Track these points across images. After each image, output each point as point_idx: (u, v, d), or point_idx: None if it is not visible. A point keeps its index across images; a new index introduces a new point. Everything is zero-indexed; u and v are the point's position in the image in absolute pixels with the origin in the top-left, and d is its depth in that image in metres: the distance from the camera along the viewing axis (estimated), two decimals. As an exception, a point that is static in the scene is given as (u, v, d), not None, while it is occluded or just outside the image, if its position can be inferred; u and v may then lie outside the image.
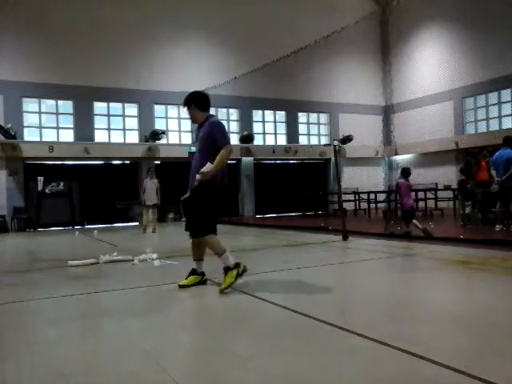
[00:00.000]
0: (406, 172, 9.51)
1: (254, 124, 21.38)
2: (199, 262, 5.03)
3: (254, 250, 8.38)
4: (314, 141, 22.70)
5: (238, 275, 4.66)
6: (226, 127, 22.40)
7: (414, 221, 9.25)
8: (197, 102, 5.05)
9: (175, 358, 2.88)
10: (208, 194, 4.73)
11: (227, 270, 4.67)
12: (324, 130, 23.21)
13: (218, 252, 4.73)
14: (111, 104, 18.77)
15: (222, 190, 4.86)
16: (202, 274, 5.04)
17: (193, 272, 5.01)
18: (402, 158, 22.82)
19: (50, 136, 17.79)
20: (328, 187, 22.06)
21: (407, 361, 2.64)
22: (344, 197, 11.94)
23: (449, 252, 7.13)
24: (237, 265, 4.68)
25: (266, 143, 21.54)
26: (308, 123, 22.90)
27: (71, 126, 18.08)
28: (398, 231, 9.78)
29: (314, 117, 22.97)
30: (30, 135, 17.59)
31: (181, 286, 4.91)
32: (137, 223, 18.34)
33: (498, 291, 4.34)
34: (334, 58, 21.82)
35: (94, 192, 18.04)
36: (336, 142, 11.76)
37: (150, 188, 13.07)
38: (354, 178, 21.04)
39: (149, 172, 13.46)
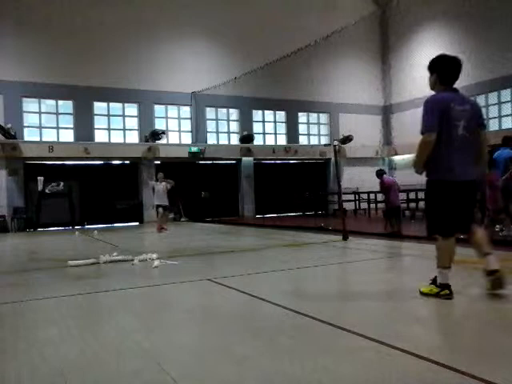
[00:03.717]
0: (380, 173, 10.45)
1: (254, 124, 21.38)
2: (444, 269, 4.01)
3: (253, 250, 8.38)
4: (314, 141, 22.69)
5: (438, 295, 3.94)
6: (226, 127, 22.10)
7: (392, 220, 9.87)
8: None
9: (175, 358, 2.88)
10: (432, 187, 4.05)
11: (434, 282, 4.06)
12: (324, 130, 23.21)
13: (439, 262, 4.02)
14: (111, 104, 18.77)
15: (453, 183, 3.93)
16: (445, 286, 3.99)
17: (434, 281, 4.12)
18: (403, 158, 22.81)
19: (50, 136, 17.78)
20: (328, 187, 22.06)
21: (407, 361, 2.64)
22: (344, 197, 11.94)
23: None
24: (444, 286, 3.95)
25: (266, 143, 21.54)
26: (308, 123, 22.90)
27: (71, 126, 18.07)
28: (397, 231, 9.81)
29: (314, 117, 22.97)
30: (29, 135, 17.58)
31: (422, 294, 4.10)
32: (137, 223, 18.36)
33: (498, 292, 4.33)
34: (334, 58, 21.80)
35: (93, 192, 18.03)
36: (336, 142, 11.76)
37: (159, 190, 13.72)
38: (353, 178, 21.03)
39: (158, 177, 14.15)
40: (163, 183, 13.66)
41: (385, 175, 10.57)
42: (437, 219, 4.03)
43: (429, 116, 3.86)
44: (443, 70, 4.03)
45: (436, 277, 4.04)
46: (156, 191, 13.70)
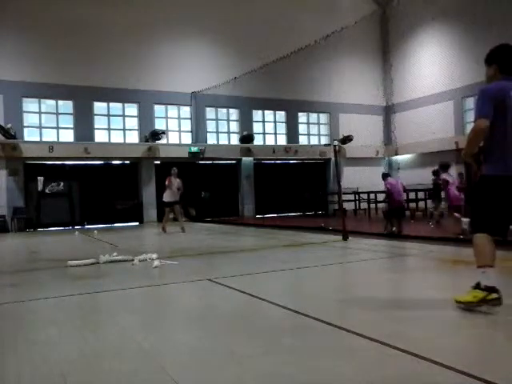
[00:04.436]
0: (385, 174, 10.73)
1: (254, 124, 21.37)
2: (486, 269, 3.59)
3: (254, 250, 8.38)
4: (314, 141, 22.69)
5: (484, 301, 3.48)
6: (226, 127, 22.03)
7: (393, 220, 10.05)
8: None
9: (175, 358, 2.88)
10: (484, 182, 3.75)
11: (477, 286, 3.57)
12: (324, 129, 23.20)
13: (480, 261, 3.63)
14: (111, 104, 18.77)
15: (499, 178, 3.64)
16: (491, 289, 3.50)
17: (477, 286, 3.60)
18: (403, 158, 22.83)
19: (50, 136, 17.78)
20: (328, 187, 22.05)
21: (407, 361, 2.64)
22: (344, 197, 11.95)
23: (449, 252, 7.14)
24: (491, 289, 3.47)
25: (266, 143, 21.54)
26: (308, 123, 22.90)
27: (71, 125, 18.07)
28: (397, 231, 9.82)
29: (314, 117, 22.96)
30: (29, 135, 17.58)
31: (458, 302, 3.67)
32: (137, 223, 18.37)
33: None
34: (334, 57, 21.77)
35: (93, 192, 18.03)
36: (336, 142, 11.77)
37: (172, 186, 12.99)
38: (354, 178, 21.02)
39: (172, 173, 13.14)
40: (178, 180, 13.00)
41: (389, 177, 10.65)
42: (483, 215, 3.68)
43: (483, 103, 3.60)
44: (504, 59, 3.83)
45: (478, 282, 3.55)
46: (170, 187, 12.86)
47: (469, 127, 20.28)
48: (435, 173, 12.55)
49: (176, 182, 12.93)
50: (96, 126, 18.44)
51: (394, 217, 10.07)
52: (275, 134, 21.97)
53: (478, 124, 3.57)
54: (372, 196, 17.87)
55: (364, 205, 18.58)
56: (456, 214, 9.48)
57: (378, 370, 2.55)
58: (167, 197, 12.95)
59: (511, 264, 5.67)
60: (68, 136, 17.97)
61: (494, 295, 3.45)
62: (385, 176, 10.67)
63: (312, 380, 2.45)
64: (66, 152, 17.34)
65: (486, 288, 3.47)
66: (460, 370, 2.44)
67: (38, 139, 17.53)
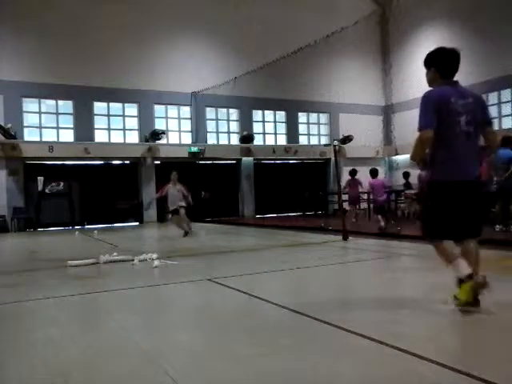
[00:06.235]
0: (374, 172, 11.04)
1: (254, 124, 21.37)
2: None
3: (254, 250, 8.38)
4: (314, 141, 22.68)
5: (472, 289, 3.49)
6: (226, 127, 22.02)
7: (379, 216, 10.59)
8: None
9: (175, 358, 2.88)
10: (432, 188, 3.78)
11: (460, 281, 3.59)
12: (324, 129, 23.20)
13: (446, 262, 3.69)
14: (111, 104, 18.77)
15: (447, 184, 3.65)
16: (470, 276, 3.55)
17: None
18: (403, 158, 22.81)
19: (49, 136, 17.77)
20: (328, 187, 22.05)
21: (407, 361, 2.64)
22: (344, 197, 12.02)
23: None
24: (470, 277, 3.51)
25: (266, 143, 21.53)
26: (308, 123, 22.89)
27: (71, 126, 18.06)
28: (397, 231, 9.83)
29: (314, 117, 22.96)
30: (29, 135, 17.58)
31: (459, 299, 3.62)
32: (137, 223, 18.36)
33: (498, 292, 4.33)
34: (334, 58, 21.79)
35: (94, 192, 18.03)
36: (336, 142, 11.80)
37: (173, 193, 11.66)
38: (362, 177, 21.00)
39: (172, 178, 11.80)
40: (178, 186, 11.51)
41: (375, 177, 11.17)
42: (434, 222, 3.71)
43: (426, 112, 3.60)
44: (443, 62, 3.77)
45: (459, 278, 3.62)
46: (170, 195, 11.54)
47: (469, 127, 20.27)
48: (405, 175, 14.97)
49: (176, 190, 11.47)
50: (96, 126, 18.43)
51: (380, 213, 10.80)
52: (275, 134, 21.97)
53: (422, 135, 3.59)
54: (372, 196, 17.84)
55: (364, 205, 18.55)
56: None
57: (378, 369, 2.55)
58: (169, 205, 11.69)
59: (511, 264, 5.68)
60: (68, 136, 17.97)
61: (472, 282, 3.49)
62: (372, 174, 11.09)
63: (312, 380, 2.45)
64: (66, 152, 17.34)
65: (466, 277, 3.51)
66: (460, 370, 2.44)
67: (37, 139, 17.52)
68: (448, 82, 3.74)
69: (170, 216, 11.60)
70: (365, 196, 16.15)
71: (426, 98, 3.65)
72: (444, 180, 3.65)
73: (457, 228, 3.67)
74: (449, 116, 3.59)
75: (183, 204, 11.49)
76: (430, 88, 3.81)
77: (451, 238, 3.73)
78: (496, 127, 19.04)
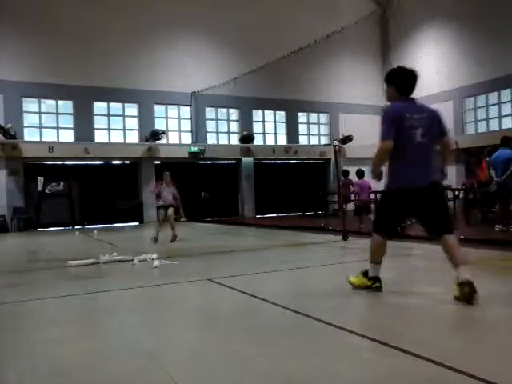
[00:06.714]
0: (360, 173, 11.61)
1: (254, 124, 21.37)
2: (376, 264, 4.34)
3: (254, 250, 8.38)
4: (314, 141, 22.68)
5: (369, 288, 4.29)
6: (226, 127, 22.09)
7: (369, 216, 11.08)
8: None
9: (175, 358, 2.88)
10: (388, 193, 4.27)
11: (365, 274, 4.36)
12: (324, 129, 23.20)
13: (373, 258, 4.31)
14: (111, 104, 18.77)
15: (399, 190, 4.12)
16: (376, 278, 4.34)
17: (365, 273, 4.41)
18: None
19: (49, 136, 17.78)
20: (328, 187, 22.04)
21: (407, 361, 2.64)
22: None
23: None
24: (375, 279, 4.30)
25: (266, 143, 21.53)
26: (308, 123, 22.89)
27: (71, 125, 18.07)
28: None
29: (314, 117, 22.96)
30: (29, 135, 17.58)
31: (352, 284, 4.48)
32: (137, 223, 18.36)
33: (498, 292, 4.33)
34: (334, 58, 21.80)
35: (93, 192, 18.03)
36: (336, 142, 11.80)
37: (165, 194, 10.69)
38: (353, 178, 20.99)
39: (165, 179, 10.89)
40: (171, 188, 10.66)
41: (361, 178, 11.80)
42: (384, 219, 4.26)
43: (387, 126, 4.02)
44: (402, 81, 4.15)
45: (367, 270, 4.33)
46: (163, 196, 10.66)
47: (469, 127, 20.30)
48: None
49: (167, 191, 10.59)
50: (96, 126, 18.44)
51: (360, 214, 11.29)
52: (275, 133, 21.97)
53: (383, 146, 4.05)
54: (372, 196, 17.82)
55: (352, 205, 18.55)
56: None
57: (378, 370, 2.55)
58: (162, 201, 10.71)
59: (511, 264, 5.68)
60: (68, 136, 17.97)
61: (377, 284, 4.28)
62: (358, 175, 11.65)
63: (312, 380, 2.46)
64: (66, 152, 17.34)
65: (372, 278, 4.28)
66: (460, 370, 2.44)
67: (37, 139, 17.53)
68: (406, 99, 4.12)
69: (161, 211, 10.72)
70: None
71: (385, 113, 4.11)
72: (399, 188, 4.09)
73: (395, 227, 4.46)
74: (405, 129, 3.98)
75: (174, 204, 10.63)
76: (389, 103, 4.25)
77: (388, 234, 4.29)
78: (496, 127, 19.05)
